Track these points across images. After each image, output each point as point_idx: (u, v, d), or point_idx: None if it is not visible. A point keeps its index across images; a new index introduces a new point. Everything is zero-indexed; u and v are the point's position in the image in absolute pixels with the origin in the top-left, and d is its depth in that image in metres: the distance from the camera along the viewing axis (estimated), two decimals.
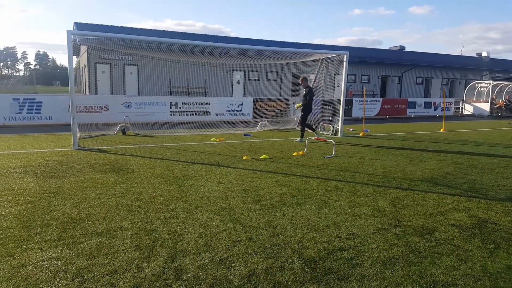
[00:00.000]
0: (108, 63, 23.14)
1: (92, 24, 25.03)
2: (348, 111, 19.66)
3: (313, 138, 10.61)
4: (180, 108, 16.39)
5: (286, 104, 18.90)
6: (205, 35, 31.07)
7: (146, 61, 22.19)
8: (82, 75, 32.48)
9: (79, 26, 23.72)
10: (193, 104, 16.76)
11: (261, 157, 8.14)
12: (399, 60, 33.74)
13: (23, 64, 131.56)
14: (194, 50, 12.94)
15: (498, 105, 25.39)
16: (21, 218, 4.21)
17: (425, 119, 21.84)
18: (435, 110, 24.23)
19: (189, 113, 16.58)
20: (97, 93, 22.38)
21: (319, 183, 6.04)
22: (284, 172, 6.81)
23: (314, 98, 11.72)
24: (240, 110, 17.84)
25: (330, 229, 4.07)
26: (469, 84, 28.22)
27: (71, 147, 8.93)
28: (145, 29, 30.56)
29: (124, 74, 23.59)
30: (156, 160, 7.62)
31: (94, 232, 3.86)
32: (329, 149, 9.19)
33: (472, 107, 26.03)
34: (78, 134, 9.62)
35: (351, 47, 33.50)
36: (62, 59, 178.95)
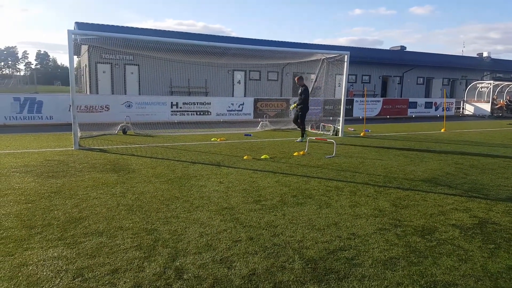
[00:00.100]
0: (109, 63, 23.16)
1: (93, 24, 25.05)
2: (349, 111, 19.67)
3: (299, 139, 10.76)
4: (181, 108, 16.40)
5: (287, 104, 18.90)
6: (206, 35, 31.08)
7: (147, 61, 22.20)
8: (83, 75, 32.51)
9: (80, 25, 23.74)
10: (194, 104, 16.77)
11: (261, 157, 8.14)
12: (400, 60, 33.72)
13: (24, 63, 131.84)
14: (195, 50, 12.95)
15: (499, 105, 25.37)
16: (22, 217, 4.22)
17: (426, 119, 21.84)
18: (436, 110, 24.22)
19: (190, 113, 16.59)
20: (98, 93, 22.41)
21: (319, 183, 6.04)
22: (284, 172, 6.81)
23: (315, 98, 11.75)
24: (241, 110, 17.85)
25: (330, 229, 4.07)
26: (470, 84, 28.21)
27: (72, 147, 8.93)
28: (146, 28, 30.59)
29: (125, 73, 23.61)
30: (157, 160, 7.62)
31: (95, 231, 3.86)
32: (330, 149, 9.19)
33: (473, 107, 26.02)
34: (79, 134, 9.62)
35: (352, 47, 33.51)
36: (63, 58, 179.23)
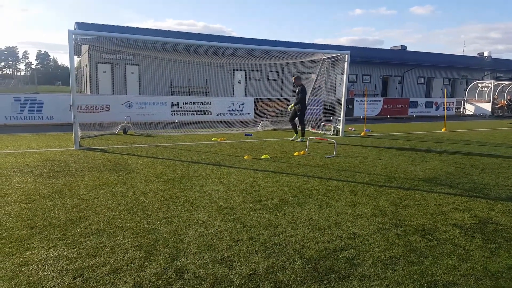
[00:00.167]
0: (109, 63, 23.17)
1: (93, 24, 25.06)
2: (349, 111, 19.66)
3: (292, 138, 10.83)
4: (181, 107, 16.40)
5: (287, 103, 18.89)
6: (207, 35, 31.08)
7: (147, 60, 22.20)
8: (83, 75, 32.52)
9: (80, 25, 23.75)
10: (194, 103, 16.77)
11: (262, 157, 8.14)
12: (400, 60, 33.71)
13: (25, 63, 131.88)
14: (195, 50, 12.95)
15: (500, 105, 25.35)
16: (22, 217, 4.22)
17: (426, 119, 21.82)
18: (436, 110, 24.20)
19: (190, 112, 16.59)
20: (98, 93, 22.42)
21: (320, 182, 6.04)
22: (285, 171, 6.81)
23: (315, 98, 11.72)
24: (241, 110, 17.85)
25: (331, 228, 4.07)
26: (470, 84, 28.18)
27: (73, 147, 8.94)
28: (146, 28, 30.60)
29: (125, 73, 23.63)
30: (157, 160, 7.63)
31: (96, 231, 3.86)
32: (330, 149, 9.19)
33: (473, 107, 26.00)
34: (80, 134, 9.63)
35: (353, 46, 33.50)
36: (63, 58, 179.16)
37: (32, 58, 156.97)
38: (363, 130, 13.45)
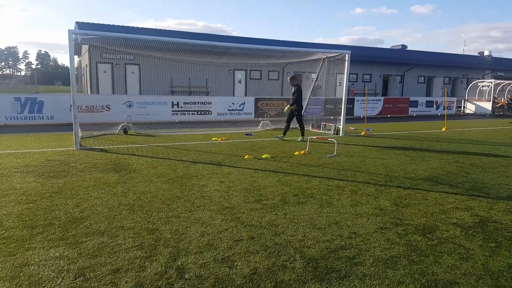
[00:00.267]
0: (110, 63, 23.18)
1: (93, 24, 25.06)
2: (349, 110, 19.66)
3: (280, 136, 10.94)
4: (181, 107, 16.40)
5: (287, 103, 18.88)
6: (207, 34, 31.08)
7: (147, 60, 22.21)
8: (83, 75, 32.53)
9: (80, 25, 23.75)
10: (195, 103, 16.77)
11: (262, 157, 8.14)
12: (401, 59, 33.69)
13: (25, 63, 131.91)
14: (195, 50, 12.94)
15: (500, 104, 25.33)
16: (23, 217, 4.23)
17: (427, 118, 21.81)
18: (437, 109, 24.19)
19: (190, 112, 16.59)
20: (98, 93, 22.43)
21: (320, 182, 6.04)
22: (285, 171, 6.81)
23: (316, 97, 11.70)
24: (242, 110, 17.85)
25: (331, 228, 4.07)
26: (471, 83, 28.16)
27: (73, 147, 8.95)
28: (147, 28, 30.59)
29: (125, 73, 23.63)
30: (157, 160, 7.63)
31: (96, 231, 3.87)
32: (331, 148, 9.18)
33: (474, 106, 25.98)
34: (80, 134, 9.63)
35: (353, 46, 33.47)
36: (63, 58, 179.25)
37: (32, 58, 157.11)
38: (363, 129, 13.45)
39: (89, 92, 25.56)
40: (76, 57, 35.18)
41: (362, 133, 12.88)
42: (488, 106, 25.21)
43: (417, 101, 23.66)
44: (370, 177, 6.46)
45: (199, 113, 16.78)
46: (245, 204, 4.84)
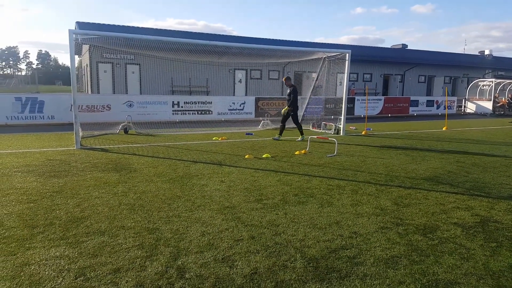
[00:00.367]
0: (110, 62, 23.18)
1: (94, 23, 25.07)
2: (350, 110, 19.65)
3: (276, 137, 10.88)
4: (182, 107, 16.40)
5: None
6: (207, 34, 31.08)
7: (148, 60, 22.21)
8: (84, 75, 32.55)
9: (81, 25, 23.76)
10: (195, 103, 16.77)
11: (263, 156, 8.14)
12: (401, 59, 33.67)
13: (25, 63, 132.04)
14: (196, 49, 12.95)
15: (501, 103, 25.31)
16: (24, 217, 4.23)
17: (427, 117, 21.80)
18: (437, 108, 24.17)
19: (191, 112, 16.59)
20: (99, 92, 22.44)
21: (321, 181, 6.03)
22: (286, 171, 6.81)
23: (316, 97, 11.69)
24: (242, 109, 17.84)
25: (332, 227, 4.07)
26: (471, 83, 28.13)
27: (74, 146, 8.95)
28: (147, 28, 30.60)
29: (126, 73, 23.63)
30: (158, 159, 7.63)
31: (97, 231, 3.87)
32: (331, 148, 9.18)
33: (474, 105, 25.95)
34: (81, 133, 9.64)
35: (353, 45, 33.45)
36: (64, 58, 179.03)
37: (33, 58, 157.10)
38: (364, 129, 13.44)
39: (89, 92, 25.57)
40: (76, 57, 35.18)
41: (363, 133, 12.87)
42: (488, 105, 25.19)
43: (418, 100, 23.64)
44: (371, 176, 6.45)
45: (199, 112, 16.78)
46: (246, 203, 4.84)
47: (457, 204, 4.97)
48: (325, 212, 4.55)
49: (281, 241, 3.69)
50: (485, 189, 5.77)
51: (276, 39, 30.24)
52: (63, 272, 3.02)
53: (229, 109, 17.52)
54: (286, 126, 11.32)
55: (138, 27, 28.77)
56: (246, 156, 8.07)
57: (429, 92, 35.01)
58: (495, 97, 25.27)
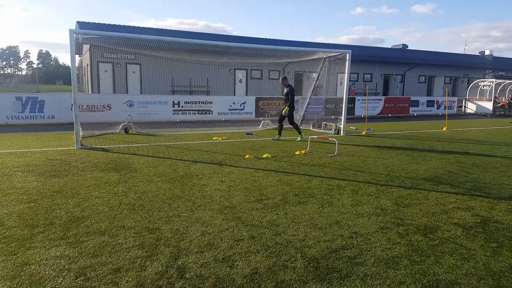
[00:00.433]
0: (111, 62, 23.18)
1: (94, 23, 25.07)
2: (350, 110, 19.64)
3: (276, 138, 10.87)
4: (182, 107, 16.40)
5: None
6: (208, 34, 31.07)
7: (148, 60, 22.22)
8: (84, 74, 32.56)
9: (81, 25, 23.77)
10: (196, 103, 16.77)
11: (263, 156, 8.14)
12: (401, 59, 33.66)
13: (26, 63, 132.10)
14: (196, 49, 12.95)
15: (501, 103, 25.30)
16: (24, 217, 4.23)
17: (427, 117, 21.79)
18: (437, 108, 24.16)
19: (191, 112, 16.59)
20: (99, 92, 22.45)
21: (321, 181, 6.03)
22: (286, 171, 6.81)
23: (316, 97, 11.67)
24: (243, 109, 17.84)
25: (332, 227, 4.07)
26: (472, 83, 28.12)
27: (74, 146, 8.95)
28: (148, 28, 30.62)
29: (126, 73, 23.63)
30: (158, 159, 7.63)
31: (97, 230, 3.87)
32: (332, 148, 9.18)
33: (475, 105, 25.95)
34: (81, 133, 9.64)
35: (354, 45, 33.45)
36: (64, 58, 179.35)
37: (34, 58, 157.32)
38: (364, 129, 13.44)
39: (90, 92, 25.56)
40: (77, 56, 35.17)
41: (363, 133, 12.86)
42: (489, 105, 25.18)
43: (418, 100, 23.64)
44: (371, 176, 6.45)
45: (200, 112, 16.78)
46: (246, 203, 4.83)
47: (458, 204, 4.96)
48: (326, 212, 4.55)
49: (282, 241, 3.68)
50: (486, 189, 5.77)
51: (276, 39, 30.24)
52: (63, 272, 3.02)
53: (229, 109, 17.52)
54: (284, 126, 11.32)
55: (138, 27, 28.80)
56: (246, 156, 8.07)
57: (429, 92, 35.00)
58: (495, 97, 25.26)
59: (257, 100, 18.27)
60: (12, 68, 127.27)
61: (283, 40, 30.83)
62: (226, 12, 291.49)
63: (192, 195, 5.17)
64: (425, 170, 7.02)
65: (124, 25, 26.41)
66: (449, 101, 24.20)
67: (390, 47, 41.18)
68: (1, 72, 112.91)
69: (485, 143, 10.92)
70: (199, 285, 2.86)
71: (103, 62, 23.05)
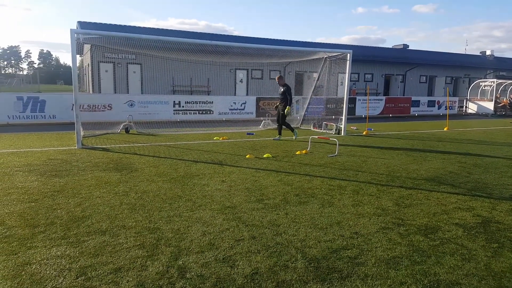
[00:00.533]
0: (112, 62, 23.20)
1: (95, 23, 25.10)
2: (351, 110, 19.63)
3: (277, 137, 10.86)
4: (183, 107, 16.41)
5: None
6: (208, 34, 31.07)
7: (149, 60, 22.23)
8: (85, 74, 32.58)
9: (82, 25, 23.79)
10: (196, 103, 16.78)
11: (264, 156, 8.14)
12: (402, 59, 33.64)
13: (27, 63, 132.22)
14: (197, 49, 12.96)
15: (502, 103, 25.27)
16: (25, 216, 4.23)
17: (428, 117, 21.77)
18: (438, 108, 24.13)
19: (192, 112, 16.60)
20: (100, 92, 22.46)
21: (322, 182, 6.03)
22: (287, 171, 6.81)
23: (317, 97, 11.66)
24: (243, 109, 17.84)
25: (333, 228, 4.06)
26: (473, 83, 28.09)
27: (75, 146, 8.96)
28: (149, 27, 30.65)
29: (127, 73, 23.65)
30: (159, 159, 7.63)
31: (98, 230, 3.87)
32: (332, 148, 9.17)
33: (476, 105, 25.92)
34: (82, 133, 9.65)
35: (355, 45, 33.44)
36: (65, 58, 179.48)
37: (35, 57, 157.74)
38: (365, 129, 13.43)
39: (91, 91, 25.58)
40: (78, 56, 35.20)
41: (364, 133, 12.86)
42: (490, 106, 25.15)
43: (419, 100, 23.61)
44: (372, 177, 6.44)
45: (200, 112, 16.79)
46: (247, 203, 4.83)
47: (459, 205, 4.96)
48: (326, 212, 4.55)
49: (282, 241, 3.68)
50: (487, 189, 5.76)
51: (277, 39, 30.24)
52: (64, 272, 3.02)
53: (230, 109, 17.52)
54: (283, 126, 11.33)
55: (139, 27, 28.83)
56: (247, 156, 8.07)
57: (430, 93, 34.98)
58: (496, 97, 25.23)
59: (258, 100, 18.27)
60: (13, 68, 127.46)
61: (284, 40, 30.84)
62: (227, 12, 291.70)
63: (192, 195, 5.17)
64: (426, 171, 7.01)
65: (125, 25, 26.44)
66: (450, 101, 24.17)
67: (391, 47, 41.16)
68: (2, 72, 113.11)
69: (486, 144, 10.91)
70: (200, 285, 2.86)
71: (104, 62, 23.08)
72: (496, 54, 42.60)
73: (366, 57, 29.92)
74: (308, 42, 33.23)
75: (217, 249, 3.49)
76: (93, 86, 23.76)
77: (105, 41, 14.44)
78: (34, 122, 13.68)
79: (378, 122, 17.63)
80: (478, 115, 24.59)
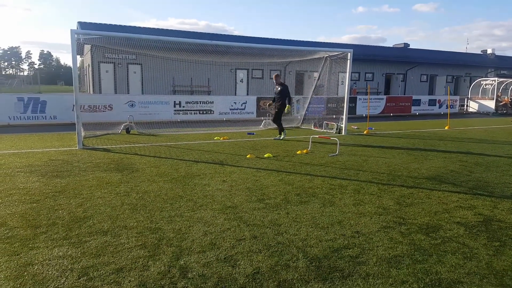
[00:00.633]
0: (112, 62, 23.23)
1: (95, 23, 25.12)
2: (352, 109, 19.61)
3: (277, 137, 10.86)
4: (183, 107, 16.42)
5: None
6: (209, 34, 31.08)
7: (149, 60, 22.25)
8: (86, 75, 32.61)
9: (82, 25, 23.81)
10: (197, 103, 16.78)
11: (265, 156, 8.14)
12: (403, 58, 33.63)
13: (27, 63, 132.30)
14: (197, 49, 12.95)
15: (503, 102, 25.24)
16: (27, 217, 4.24)
17: (429, 116, 21.75)
18: (439, 107, 24.10)
19: (192, 112, 16.60)
20: (101, 92, 22.50)
21: (323, 181, 6.03)
22: (288, 170, 6.81)
23: (318, 96, 11.63)
24: (244, 109, 17.84)
25: (334, 227, 4.06)
26: (474, 82, 28.05)
27: (76, 146, 8.97)
28: (149, 28, 30.66)
29: (127, 73, 23.68)
30: (160, 159, 7.64)
31: (100, 230, 3.87)
32: (333, 148, 9.17)
33: (477, 104, 25.88)
34: (83, 133, 9.65)
35: (355, 44, 33.43)
36: (66, 58, 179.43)
37: (35, 58, 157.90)
38: (366, 128, 13.43)
39: (91, 92, 25.61)
40: (78, 57, 35.25)
41: (365, 132, 12.85)
42: (491, 104, 25.12)
43: (420, 99, 23.59)
44: (373, 176, 6.44)
45: (201, 112, 16.79)
46: (248, 203, 4.84)
47: (460, 204, 4.96)
48: (327, 212, 4.55)
49: (283, 241, 3.68)
50: (488, 188, 5.75)
51: (277, 39, 30.24)
52: (66, 272, 3.03)
53: (230, 109, 17.52)
54: (290, 125, 11.31)
55: (139, 27, 28.84)
56: (247, 156, 8.07)
57: (431, 91, 34.95)
58: (497, 96, 25.19)
59: (258, 100, 18.27)
60: (13, 69, 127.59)
61: (284, 39, 30.82)
62: (227, 11, 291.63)
63: (193, 195, 5.18)
64: (427, 169, 7.01)
65: (125, 25, 26.46)
66: (451, 100, 24.15)
67: (391, 46, 41.14)
68: (3, 73, 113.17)
69: (487, 142, 10.90)
70: (202, 285, 2.87)
71: (104, 62, 23.11)
72: (497, 53, 42.57)
73: (366, 56, 29.90)
74: (309, 41, 33.23)
75: (218, 249, 3.49)
76: (93, 87, 23.80)
77: (105, 42, 14.45)
78: (35, 123, 13.70)
79: (379, 121, 17.62)
80: (479, 114, 24.56)
